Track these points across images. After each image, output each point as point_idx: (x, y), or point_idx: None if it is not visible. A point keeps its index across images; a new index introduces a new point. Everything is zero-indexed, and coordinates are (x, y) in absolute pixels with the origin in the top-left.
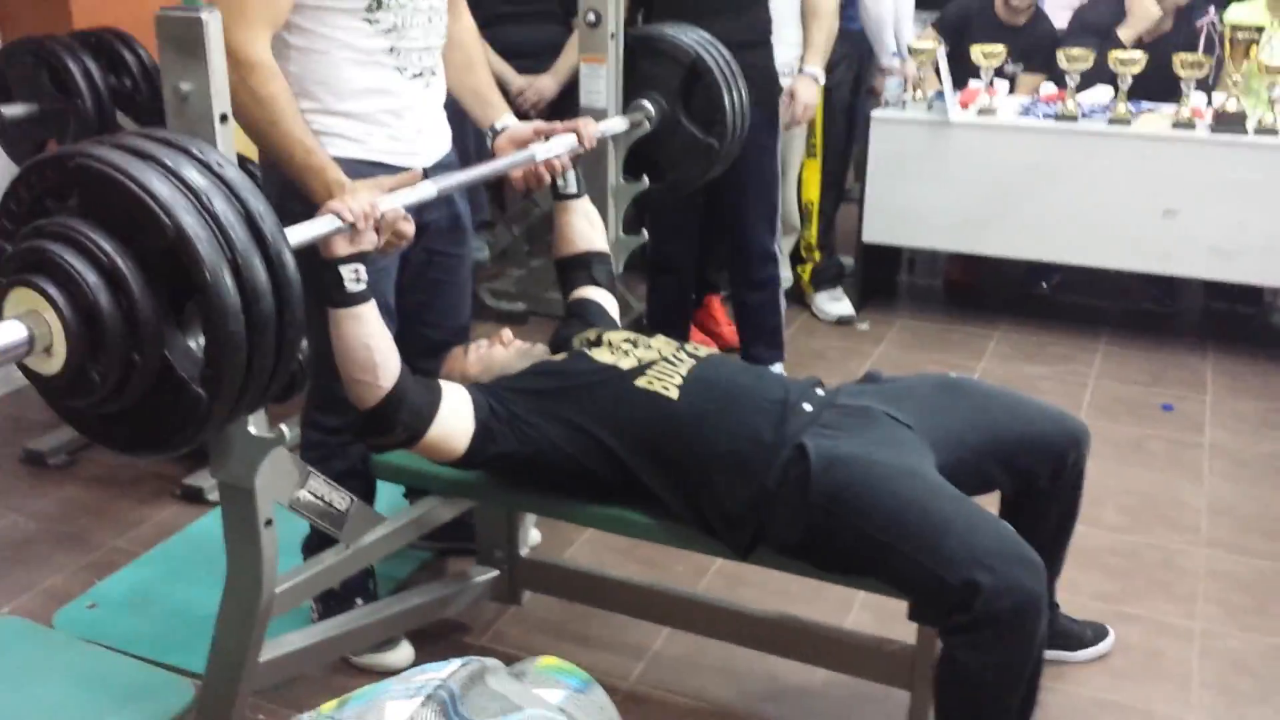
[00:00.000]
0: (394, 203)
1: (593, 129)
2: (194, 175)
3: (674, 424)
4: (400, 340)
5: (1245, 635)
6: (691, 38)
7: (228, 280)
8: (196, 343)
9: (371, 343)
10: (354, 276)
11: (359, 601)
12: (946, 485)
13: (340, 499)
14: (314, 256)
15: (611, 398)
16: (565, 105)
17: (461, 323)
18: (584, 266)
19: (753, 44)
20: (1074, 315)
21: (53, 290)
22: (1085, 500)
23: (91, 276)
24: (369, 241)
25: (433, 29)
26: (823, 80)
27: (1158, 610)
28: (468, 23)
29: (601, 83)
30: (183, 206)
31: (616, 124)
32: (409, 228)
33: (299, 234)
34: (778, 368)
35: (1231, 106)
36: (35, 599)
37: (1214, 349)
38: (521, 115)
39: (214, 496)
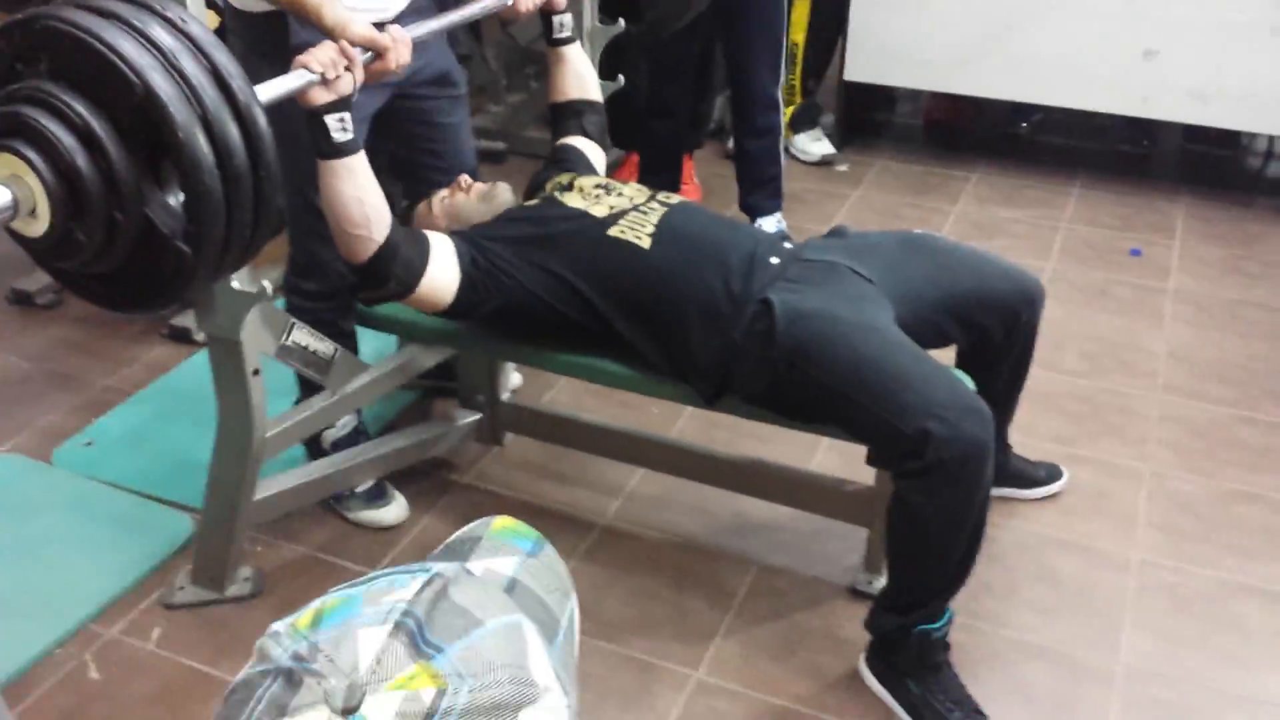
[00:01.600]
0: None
1: None
2: (160, 34)
3: (645, 274)
4: (410, 191)
5: (1193, 478)
6: None
7: (200, 137)
8: (176, 200)
9: (363, 195)
10: (339, 125)
11: None
12: (904, 339)
13: (325, 347)
14: (299, 112)
15: (586, 245)
16: None
17: (468, 165)
18: (575, 115)
19: None
20: (1052, 157)
21: (31, 154)
22: (1048, 345)
23: (67, 138)
24: (346, 87)
25: None
26: None
27: (1110, 452)
28: None
29: None
30: (150, 65)
31: None
32: (397, 56)
33: (270, 90)
34: (776, 216)
35: None
36: (33, 437)
37: (1187, 193)
38: None
39: (201, 336)
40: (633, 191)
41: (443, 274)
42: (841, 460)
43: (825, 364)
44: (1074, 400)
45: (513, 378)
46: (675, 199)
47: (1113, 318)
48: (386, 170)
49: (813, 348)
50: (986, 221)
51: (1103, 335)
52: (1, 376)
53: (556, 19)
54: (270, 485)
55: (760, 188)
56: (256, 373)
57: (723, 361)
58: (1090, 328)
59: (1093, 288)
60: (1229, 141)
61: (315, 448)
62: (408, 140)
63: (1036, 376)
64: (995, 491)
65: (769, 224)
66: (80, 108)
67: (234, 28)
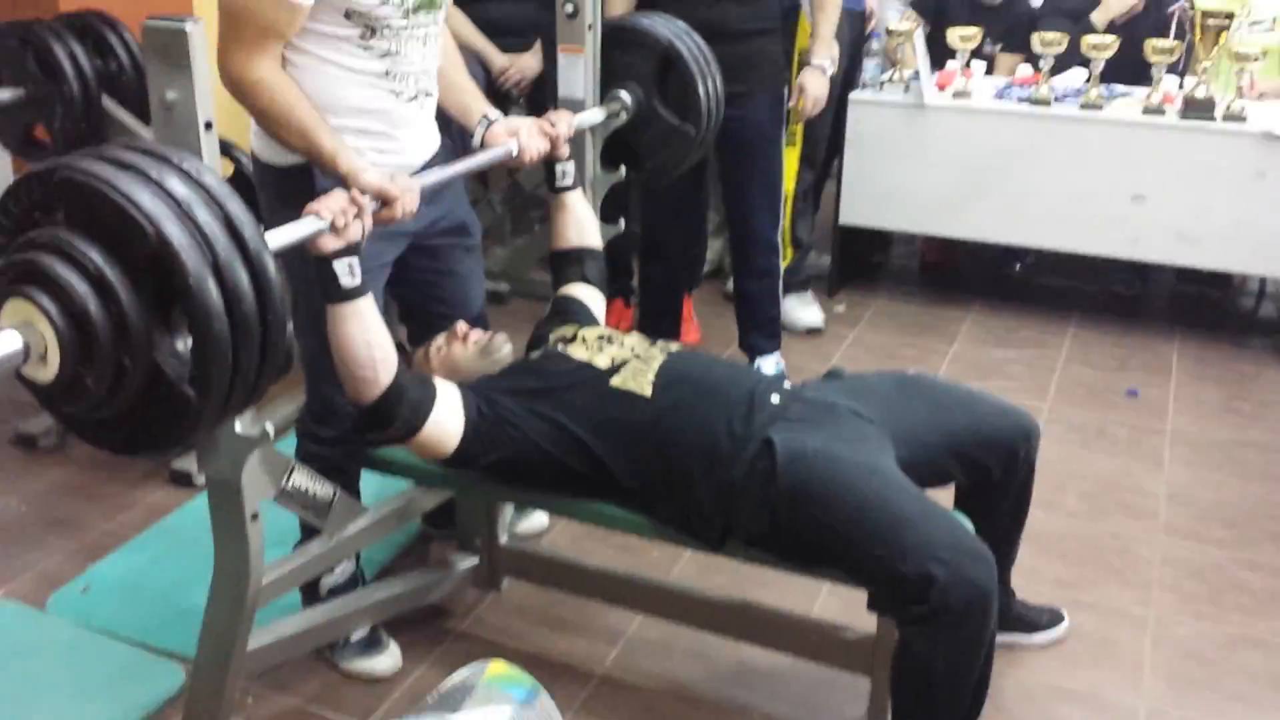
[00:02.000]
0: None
1: (565, 127)
2: (175, 184)
3: (649, 422)
4: (417, 336)
5: (1198, 624)
6: (665, 28)
7: (210, 283)
8: (184, 345)
9: (370, 338)
10: (348, 271)
11: None
12: (905, 481)
13: (324, 490)
14: (310, 259)
15: (590, 397)
16: (547, 84)
17: (474, 313)
18: (577, 262)
19: (760, 32)
20: (1045, 298)
21: (44, 300)
22: (1046, 486)
23: (81, 285)
24: (355, 234)
25: (428, 51)
26: (831, 71)
27: (1113, 597)
28: (447, 42)
29: (579, 73)
30: (165, 214)
31: (594, 115)
32: (405, 205)
33: (281, 236)
34: (775, 356)
35: (1200, 93)
36: (29, 582)
37: (1181, 333)
38: (504, 94)
39: (202, 480)
40: (634, 341)
41: (448, 420)
42: (843, 606)
43: (826, 504)
44: (1075, 543)
45: (537, 518)
46: (675, 346)
47: (1111, 459)
48: (396, 315)
49: (814, 488)
50: (983, 362)
51: (1102, 476)
52: (1, 520)
53: (559, 167)
54: (264, 634)
55: (760, 328)
56: (255, 517)
57: (724, 502)
58: (1089, 469)
59: (1090, 429)
60: (1220, 282)
61: (311, 593)
62: (420, 287)
63: (1036, 518)
64: (998, 638)
65: (768, 364)
66: (94, 255)
67: (260, 180)
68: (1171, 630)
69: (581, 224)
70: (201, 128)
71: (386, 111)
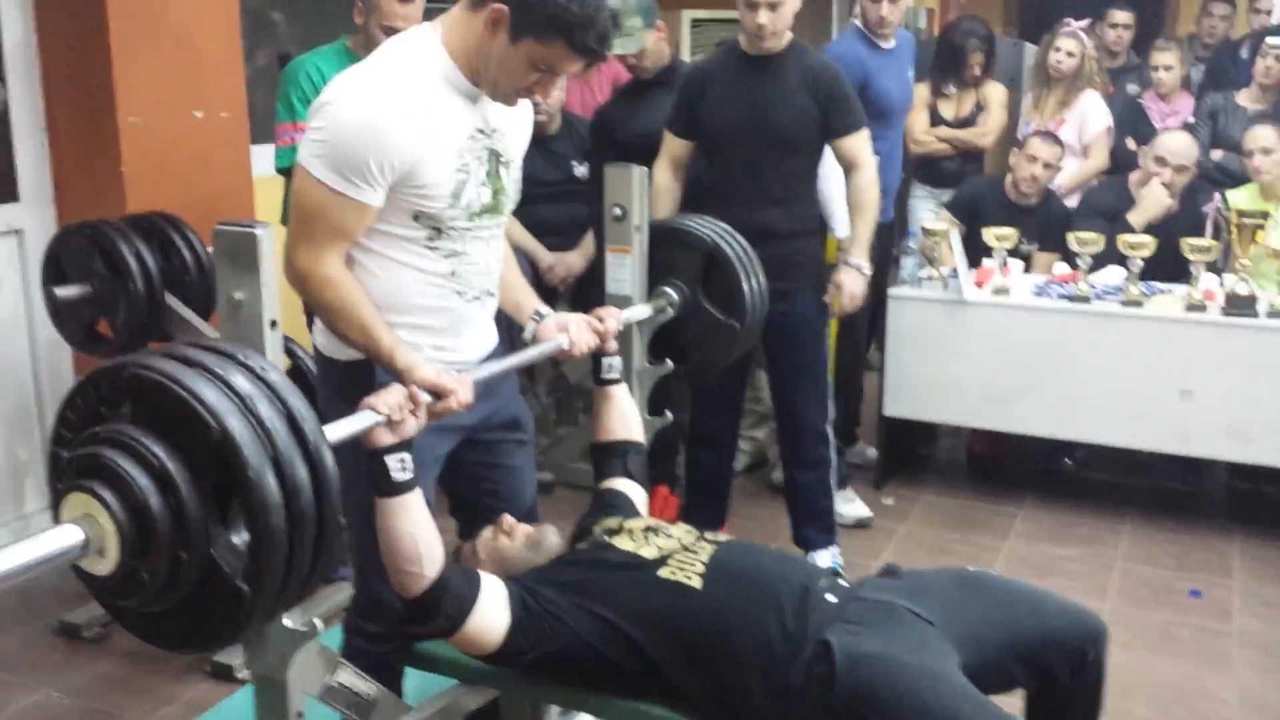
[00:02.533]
0: (428, 376)
1: (614, 323)
2: (240, 380)
3: (698, 615)
4: (466, 529)
5: None
6: (709, 228)
7: (270, 478)
8: (240, 539)
9: (417, 532)
10: (399, 465)
11: None
12: (970, 688)
13: (368, 688)
14: (363, 460)
15: (636, 589)
16: (593, 280)
17: (526, 506)
18: (619, 455)
19: (802, 233)
20: (1099, 493)
21: (106, 494)
22: (1114, 691)
23: (143, 479)
24: (409, 429)
25: (492, 251)
26: (868, 271)
27: None
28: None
29: (626, 271)
30: (229, 410)
31: (640, 311)
32: (458, 398)
33: (338, 430)
34: (831, 550)
35: (1242, 290)
36: None
37: (1240, 531)
38: (550, 290)
39: (243, 675)
40: (681, 532)
41: (492, 615)
42: None
43: (888, 712)
44: None
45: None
46: (724, 537)
47: (1178, 662)
48: (446, 508)
49: (875, 694)
50: (1038, 559)
51: (1170, 681)
52: (41, 713)
53: (606, 360)
54: None
55: (813, 521)
56: (300, 715)
57: (778, 706)
58: (1156, 673)
59: (1154, 630)
60: (1276, 478)
61: None
62: (472, 481)
63: None
64: None
65: (823, 558)
66: (158, 449)
67: (322, 373)
68: None
69: (626, 417)
70: (266, 326)
71: (450, 310)
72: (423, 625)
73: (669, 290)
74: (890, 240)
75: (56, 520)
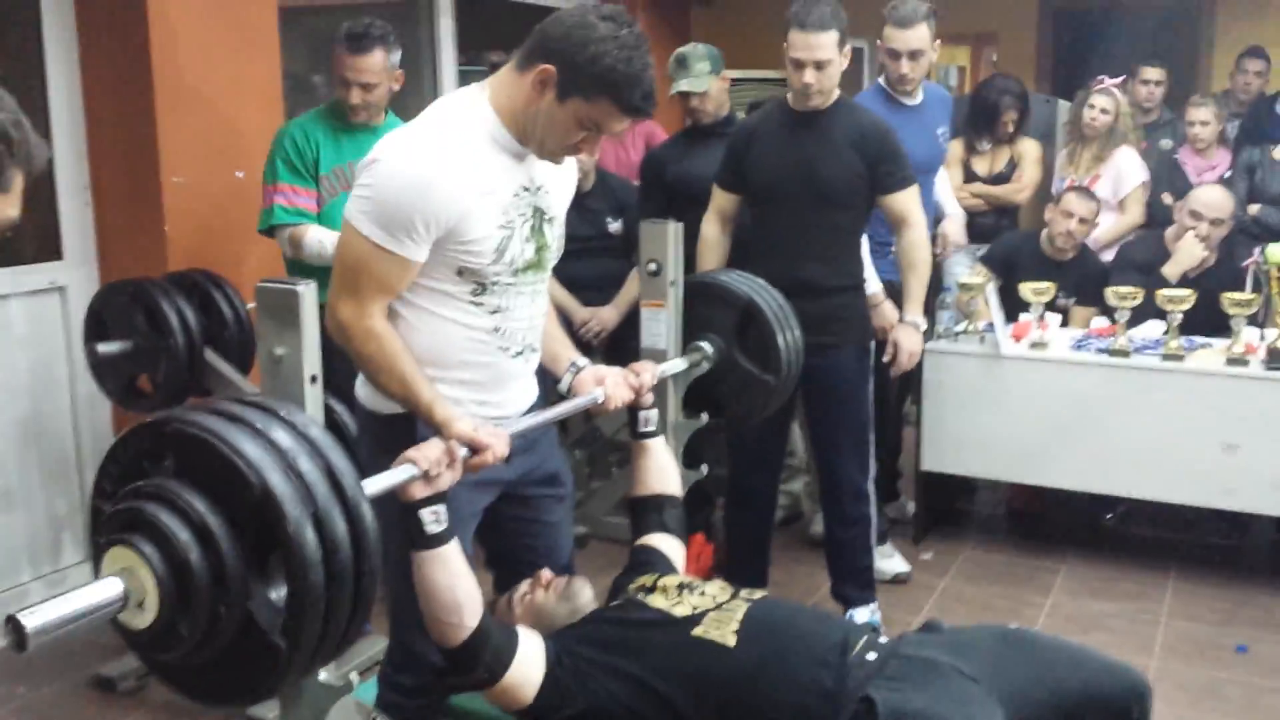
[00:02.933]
0: (465, 431)
1: (649, 376)
2: (281, 436)
3: (732, 674)
4: (502, 582)
5: None
6: (744, 284)
7: (309, 534)
8: (278, 594)
9: (456, 583)
10: (434, 518)
11: None
12: None
13: None
14: (399, 514)
15: (669, 648)
16: (626, 335)
17: (562, 562)
18: (656, 509)
19: (846, 289)
20: (1142, 548)
21: (147, 548)
22: None
23: (184, 534)
24: (445, 483)
25: (535, 307)
26: (924, 327)
27: None
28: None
29: (662, 326)
30: (270, 465)
31: (676, 364)
32: (495, 452)
33: (376, 483)
34: (871, 607)
35: None
36: None
37: None
38: (584, 344)
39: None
40: (715, 590)
41: (529, 667)
42: None
43: None
44: None
45: None
46: (759, 594)
47: None
48: (482, 561)
49: None
50: (1082, 616)
51: None
52: None
53: (642, 414)
54: None
55: (852, 578)
56: None
57: None
58: None
59: (1201, 688)
60: None
61: None
62: (509, 535)
63: None
64: None
65: (862, 614)
66: (199, 505)
67: (365, 425)
68: None
69: (663, 471)
70: (307, 381)
71: (493, 365)
72: (462, 676)
73: (704, 344)
74: (932, 295)
75: (97, 574)
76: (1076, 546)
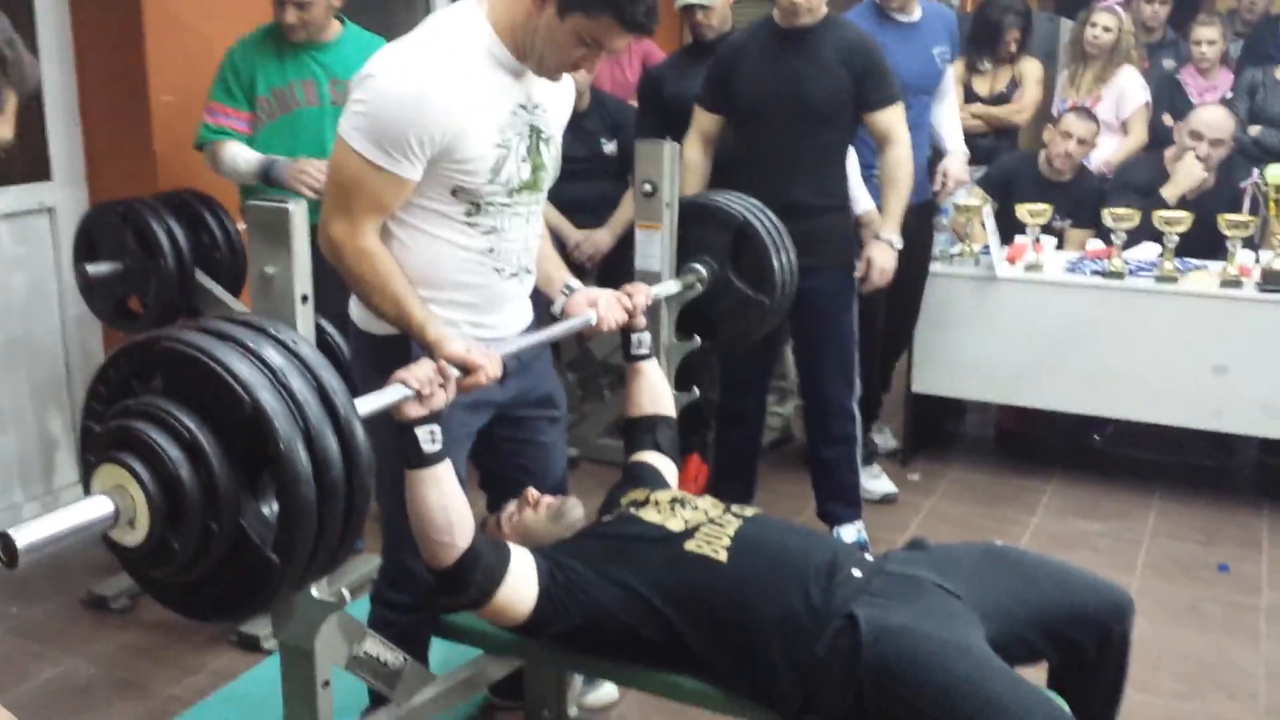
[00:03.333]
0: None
1: (643, 298)
2: (272, 354)
3: (723, 588)
4: (494, 503)
5: None
6: (739, 204)
7: (301, 450)
8: (270, 510)
9: (448, 503)
10: (429, 438)
11: None
12: (996, 661)
13: (394, 658)
14: (392, 435)
15: (662, 561)
16: (620, 257)
17: (554, 481)
18: (649, 430)
19: (831, 209)
20: (1128, 469)
21: (137, 465)
22: (1140, 665)
23: (174, 450)
24: (439, 403)
25: (530, 229)
26: (899, 246)
27: None
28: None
29: (656, 248)
30: (260, 383)
31: (670, 286)
32: (487, 373)
33: (369, 403)
34: (856, 525)
35: (1278, 265)
36: None
37: (1270, 507)
38: (578, 267)
39: (269, 644)
40: (708, 505)
41: (521, 586)
42: None
43: (914, 685)
44: None
45: (606, 690)
46: (750, 511)
47: (1205, 636)
48: (475, 482)
49: (901, 667)
50: (1066, 535)
51: (1197, 655)
52: (69, 682)
53: (635, 336)
54: None
55: (838, 496)
56: (326, 684)
57: (804, 678)
58: (1183, 647)
59: (1182, 605)
60: None
61: None
62: (502, 456)
63: (1132, 700)
64: None
65: (848, 533)
66: (189, 422)
67: (357, 346)
68: None
69: (656, 392)
70: (298, 300)
71: (487, 287)
72: (453, 596)
73: (698, 266)
74: (930, 219)
75: (87, 492)
76: (1063, 468)
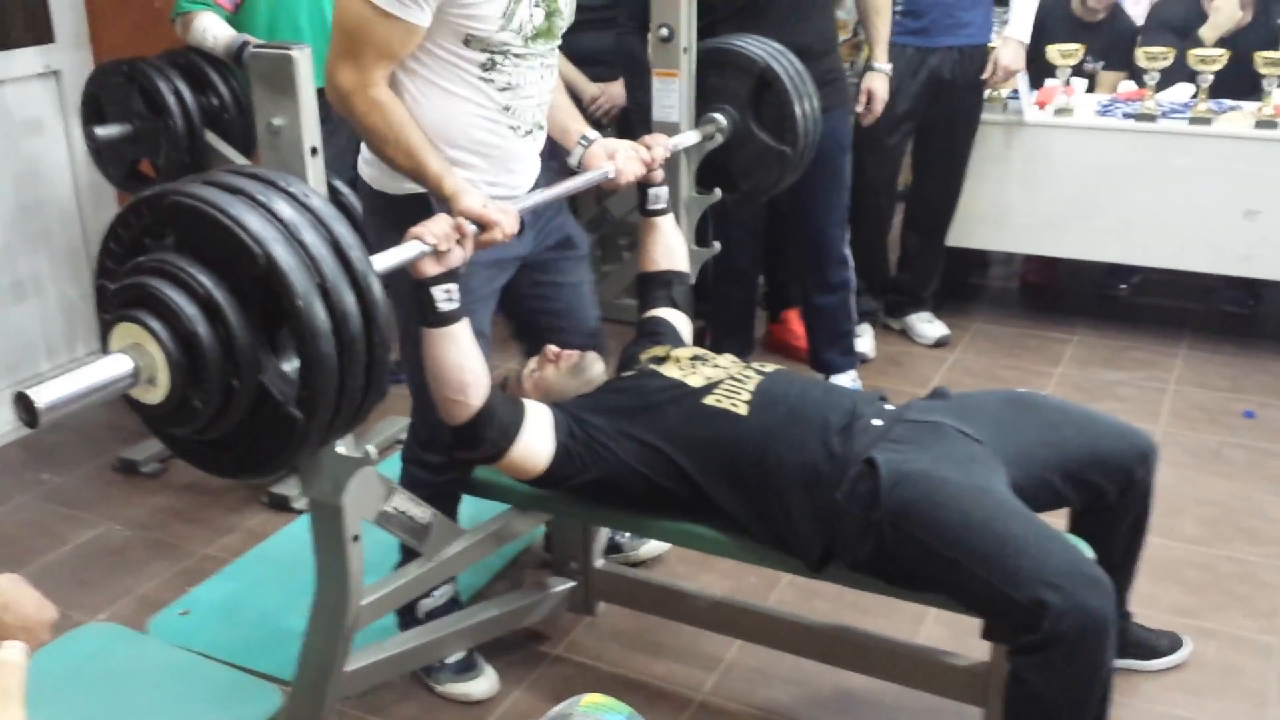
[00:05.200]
0: (473, 206)
1: (661, 150)
2: (283, 207)
3: (745, 441)
4: (530, 354)
5: None
6: (760, 48)
7: (318, 304)
8: (290, 366)
9: (464, 363)
10: (445, 296)
11: None
12: (1016, 503)
13: (422, 513)
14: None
15: (682, 416)
16: (638, 113)
17: (590, 327)
18: (664, 285)
19: (821, 52)
20: (1154, 318)
21: (154, 322)
22: (1163, 511)
23: (189, 307)
24: (455, 259)
25: (545, 84)
26: (890, 73)
27: (1236, 625)
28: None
29: (674, 96)
30: (273, 237)
31: (689, 137)
32: (503, 229)
33: (384, 260)
34: (851, 374)
35: None
36: (130, 605)
37: None
38: (594, 122)
39: (300, 504)
40: (727, 362)
41: (537, 441)
42: (949, 633)
43: (933, 527)
44: (1194, 569)
45: (655, 543)
46: (770, 366)
47: (1229, 482)
48: (508, 334)
49: (919, 510)
50: (1090, 384)
51: (1220, 500)
52: (103, 544)
53: (653, 190)
54: (362, 656)
55: (834, 344)
56: (356, 539)
57: (825, 525)
58: (1207, 493)
59: (1206, 451)
60: None
61: (408, 617)
62: (530, 301)
63: (1154, 545)
64: (1115, 663)
65: (844, 381)
66: (203, 278)
67: (370, 206)
68: None
69: (671, 248)
70: (307, 152)
71: (501, 147)
72: (469, 451)
73: (718, 116)
74: (982, 65)
75: (105, 351)
76: (1088, 318)
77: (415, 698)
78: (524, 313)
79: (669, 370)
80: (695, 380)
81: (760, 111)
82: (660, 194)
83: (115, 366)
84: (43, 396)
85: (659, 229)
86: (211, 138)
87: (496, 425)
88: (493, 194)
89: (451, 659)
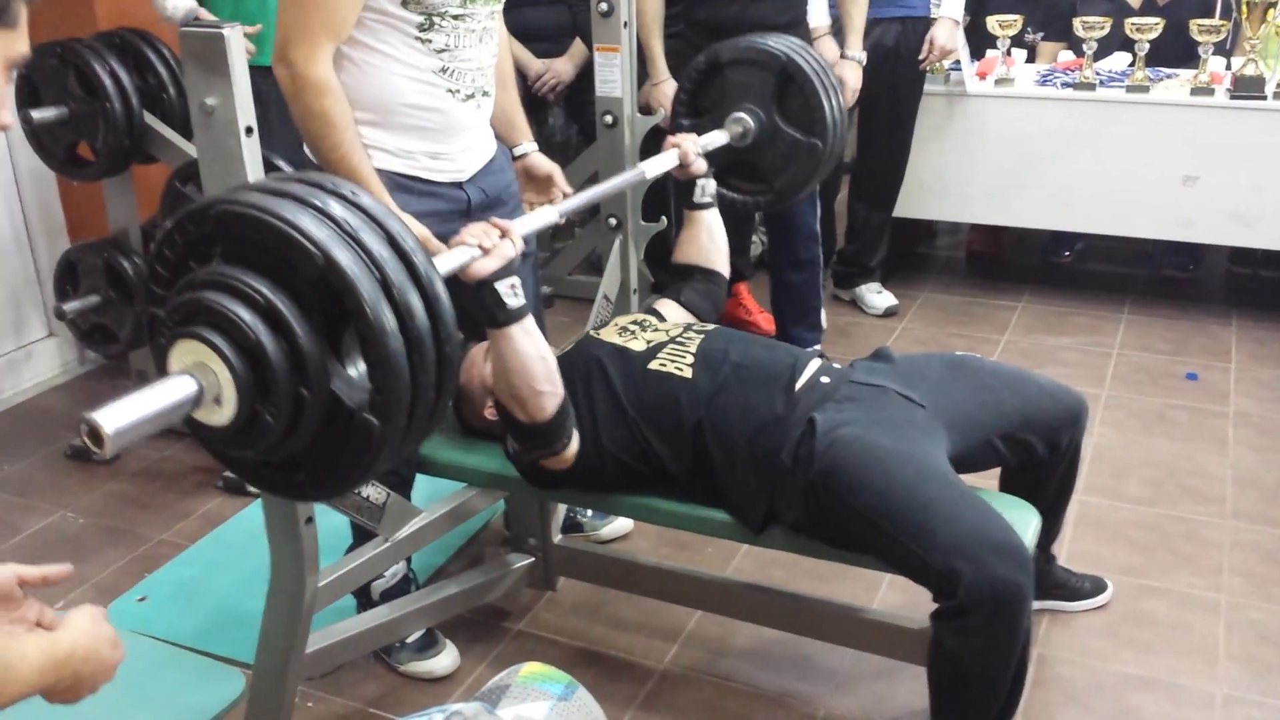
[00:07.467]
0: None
1: (693, 146)
2: (335, 207)
3: (691, 402)
4: (473, 339)
5: (1271, 606)
6: (781, 45)
7: (383, 304)
8: (357, 371)
9: (543, 350)
10: (511, 291)
11: None
12: (942, 469)
13: (377, 493)
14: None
15: (627, 381)
16: (584, 87)
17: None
18: (684, 278)
19: (793, 25)
20: (1097, 284)
21: (214, 336)
22: (1108, 473)
23: (250, 317)
24: (509, 251)
25: (484, 49)
26: (864, 61)
27: (1183, 583)
28: (502, 38)
29: (616, 71)
30: (329, 237)
31: (717, 138)
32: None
33: (444, 264)
34: (816, 350)
35: (1250, 71)
36: (87, 593)
37: (1238, 316)
38: (539, 99)
39: (255, 488)
40: (669, 325)
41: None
42: (905, 598)
43: (858, 490)
44: (1140, 529)
45: (621, 522)
46: (710, 326)
47: (1173, 443)
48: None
49: (847, 472)
50: (1035, 350)
51: (1165, 462)
52: (57, 533)
53: (700, 183)
54: (321, 638)
55: (801, 320)
56: (309, 521)
57: (768, 483)
58: (1151, 454)
59: (1150, 413)
60: (1275, 262)
61: (364, 598)
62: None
63: (1100, 506)
64: (1039, 604)
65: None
66: (261, 285)
67: None
68: (1245, 614)
69: (704, 247)
70: (242, 133)
71: (442, 111)
72: (547, 448)
73: (743, 115)
74: (922, 36)
75: (163, 373)
76: (1033, 285)
77: (378, 677)
78: (467, 302)
79: (608, 335)
80: (636, 345)
81: (785, 108)
82: (708, 186)
83: (178, 389)
84: (111, 424)
85: (700, 222)
86: (151, 119)
87: (571, 413)
88: (438, 167)
89: (412, 637)
